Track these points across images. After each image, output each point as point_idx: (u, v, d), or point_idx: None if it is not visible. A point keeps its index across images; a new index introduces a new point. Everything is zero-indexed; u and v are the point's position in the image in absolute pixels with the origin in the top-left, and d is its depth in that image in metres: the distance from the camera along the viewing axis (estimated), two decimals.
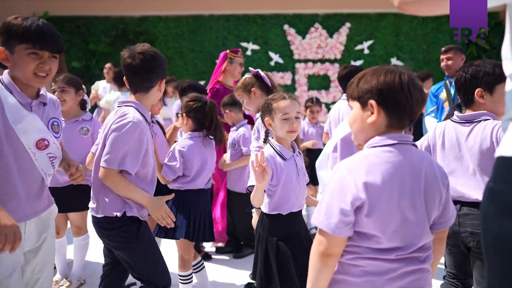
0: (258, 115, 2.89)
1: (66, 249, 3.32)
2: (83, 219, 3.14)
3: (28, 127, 1.71)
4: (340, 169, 1.28)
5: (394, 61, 8.82)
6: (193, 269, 2.80)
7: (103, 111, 5.97)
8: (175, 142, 2.83)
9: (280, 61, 8.86)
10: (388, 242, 1.26)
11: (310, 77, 8.89)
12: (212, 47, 8.87)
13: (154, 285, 2.13)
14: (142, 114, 2.05)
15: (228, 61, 4.02)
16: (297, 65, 8.85)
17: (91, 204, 2.11)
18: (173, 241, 2.81)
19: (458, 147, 2.08)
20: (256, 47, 8.82)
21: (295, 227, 2.17)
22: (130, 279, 2.97)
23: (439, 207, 1.35)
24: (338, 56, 8.81)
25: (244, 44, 8.78)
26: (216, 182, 3.87)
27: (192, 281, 2.75)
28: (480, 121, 2.03)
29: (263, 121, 2.28)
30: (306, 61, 8.86)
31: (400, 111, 1.27)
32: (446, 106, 4.08)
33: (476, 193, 2.02)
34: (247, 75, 3.07)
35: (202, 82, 7.75)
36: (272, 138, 2.25)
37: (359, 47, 8.84)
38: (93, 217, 2.11)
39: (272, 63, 8.85)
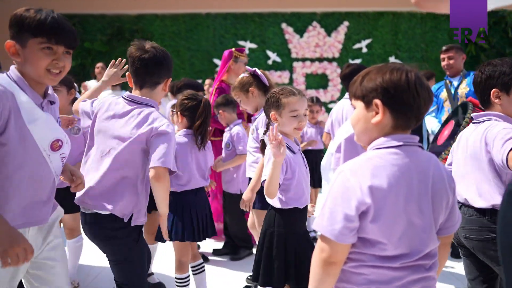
0: (261, 115, 2.84)
1: None
2: (75, 220, 3.07)
3: (44, 128, 1.60)
4: (344, 172, 1.21)
5: (392, 60, 8.77)
6: (193, 271, 2.77)
7: None
8: None
9: (278, 59, 8.81)
10: (393, 249, 1.20)
11: (308, 76, 8.84)
12: (209, 46, 8.82)
13: None
14: None
15: (233, 60, 3.98)
16: (295, 64, 8.80)
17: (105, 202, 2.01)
18: (170, 243, 2.76)
19: (466, 148, 2.03)
20: (253, 45, 8.76)
21: (305, 222, 2.19)
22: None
23: (445, 211, 1.29)
24: (336, 55, 8.77)
25: (241, 43, 8.72)
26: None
27: (188, 284, 2.70)
28: (484, 121, 1.97)
29: (267, 115, 2.23)
30: (304, 59, 8.81)
31: (406, 111, 1.21)
32: (447, 106, 4.03)
33: (467, 194, 1.96)
34: (244, 74, 3.02)
35: (199, 81, 7.68)
36: None
37: (357, 45, 8.79)
38: (93, 215, 2.00)
39: (269, 62, 8.79)
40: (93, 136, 2.08)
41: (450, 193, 1.28)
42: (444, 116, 3.96)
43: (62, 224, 3.14)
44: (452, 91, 3.99)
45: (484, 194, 1.90)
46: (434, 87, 4.23)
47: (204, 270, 2.80)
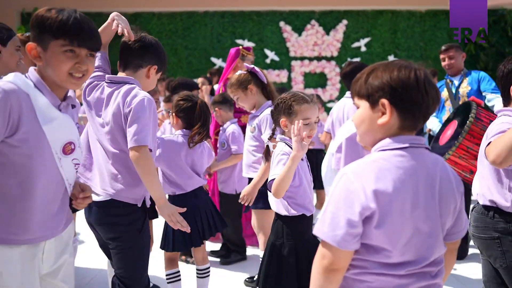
0: (263, 113, 2.79)
1: None
2: None
3: (59, 128, 1.51)
4: (346, 175, 1.15)
5: (391, 58, 8.73)
6: (198, 274, 2.75)
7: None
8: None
9: (276, 58, 8.76)
10: (399, 256, 1.14)
11: (307, 75, 8.79)
12: (207, 45, 8.76)
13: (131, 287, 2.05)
14: None
15: (240, 58, 3.96)
16: (293, 62, 8.75)
17: (98, 190, 2.02)
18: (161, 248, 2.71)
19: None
20: (251, 44, 8.69)
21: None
22: None
23: (453, 216, 1.24)
24: (335, 54, 8.72)
25: (239, 41, 8.66)
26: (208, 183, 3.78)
27: (179, 279, 2.69)
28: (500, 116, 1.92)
29: (276, 120, 2.19)
30: (302, 58, 8.76)
31: (415, 111, 1.14)
32: (448, 106, 3.98)
33: (475, 190, 1.96)
34: (241, 72, 2.98)
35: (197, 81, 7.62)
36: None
37: (356, 44, 8.75)
38: (96, 202, 1.99)
39: (267, 61, 8.74)
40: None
41: (458, 197, 1.23)
42: (445, 116, 3.92)
43: None
44: (453, 91, 3.95)
45: (485, 191, 1.87)
46: None
47: (208, 275, 2.77)
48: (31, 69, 1.53)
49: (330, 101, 8.64)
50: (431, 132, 4.07)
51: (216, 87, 6.12)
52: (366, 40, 8.75)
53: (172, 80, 5.06)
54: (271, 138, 2.30)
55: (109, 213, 2.01)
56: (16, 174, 1.44)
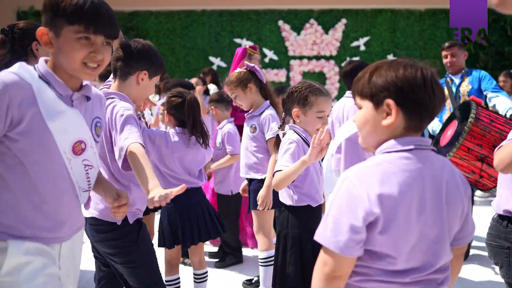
0: (264, 114, 2.75)
1: None
2: None
3: (67, 125, 1.38)
4: (349, 178, 1.10)
5: (390, 58, 8.70)
6: (195, 278, 2.69)
7: None
8: None
9: (275, 57, 8.73)
10: (403, 263, 1.10)
11: (305, 74, 8.77)
12: (205, 44, 8.73)
13: None
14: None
15: (247, 57, 3.91)
16: (292, 61, 8.72)
17: (92, 205, 1.90)
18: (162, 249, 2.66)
19: None
20: (250, 43, 8.65)
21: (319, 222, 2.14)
22: None
23: (460, 220, 1.19)
24: (334, 53, 8.70)
25: (237, 41, 8.62)
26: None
27: (179, 286, 2.63)
28: None
29: (288, 110, 2.14)
30: (301, 57, 8.74)
31: (421, 111, 1.09)
32: (448, 105, 3.94)
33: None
34: (240, 70, 2.93)
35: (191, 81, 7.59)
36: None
37: (355, 43, 8.73)
38: (86, 219, 1.91)
39: (266, 60, 8.71)
40: None
41: (465, 200, 1.18)
42: (445, 115, 3.87)
43: None
44: (454, 89, 3.90)
45: (500, 200, 1.82)
46: None
47: (206, 280, 2.71)
48: (41, 59, 1.42)
49: None
50: (431, 132, 4.02)
51: (211, 86, 6.09)
52: (365, 39, 8.73)
53: (167, 82, 4.99)
54: (282, 127, 2.24)
55: (100, 230, 1.95)
56: (21, 171, 1.35)
